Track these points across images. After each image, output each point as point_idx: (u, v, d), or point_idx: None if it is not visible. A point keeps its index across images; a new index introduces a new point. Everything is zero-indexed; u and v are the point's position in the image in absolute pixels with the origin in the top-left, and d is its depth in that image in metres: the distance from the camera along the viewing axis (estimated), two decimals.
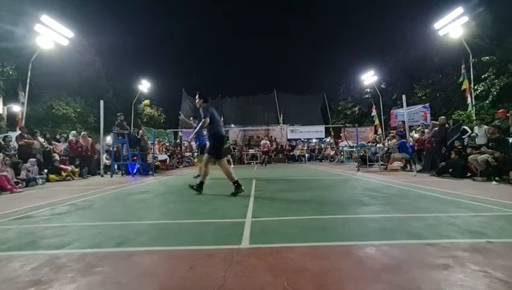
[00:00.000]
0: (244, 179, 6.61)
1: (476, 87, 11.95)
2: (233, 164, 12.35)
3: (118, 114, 9.19)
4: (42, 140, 7.93)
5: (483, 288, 1.16)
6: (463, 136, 6.71)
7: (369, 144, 11.68)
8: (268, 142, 14.65)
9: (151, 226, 2.33)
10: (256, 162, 12.50)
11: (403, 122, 9.79)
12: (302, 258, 1.54)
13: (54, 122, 16.12)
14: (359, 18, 48.16)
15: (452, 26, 10.60)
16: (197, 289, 1.24)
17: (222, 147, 4.25)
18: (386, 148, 9.41)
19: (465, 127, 7.13)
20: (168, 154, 13.53)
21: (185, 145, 17.71)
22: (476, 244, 1.69)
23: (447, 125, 7.30)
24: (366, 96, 22.05)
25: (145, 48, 47.31)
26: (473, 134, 6.97)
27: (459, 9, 10.22)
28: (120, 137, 8.62)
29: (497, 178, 4.86)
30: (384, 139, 11.06)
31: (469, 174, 5.73)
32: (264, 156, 14.09)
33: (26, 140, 7.14)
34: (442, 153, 6.74)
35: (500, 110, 7.59)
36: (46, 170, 7.03)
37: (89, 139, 9.44)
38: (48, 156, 7.52)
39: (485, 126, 6.92)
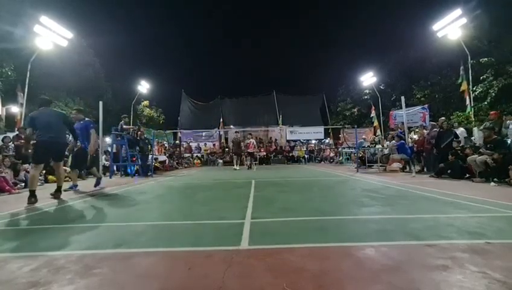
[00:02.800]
0: (243, 180, 6.62)
1: (474, 88, 12.01)
2: (239, 166, 11.85)
3: (123, 115, 9.24)
4: None
5: (482, 289, 1.16)
6: (455, 139, 6.71)
7: (370, 145, 11.67)
8: (253, 140, 12.11)
9: (149, 227, 2.32)
10: (255, 163, 12.20)
11: (402, 123, 9.81)
12: (302, 259, 1.54)
13: None
14: (359, 19, 48.40)
15: (451, 28, 10.67)
16: None
17: (40, 153, 4.03)
18: (385, 150, 9.43)
19: (456, 131, 7.17)
20: (167, 155, 13.53)
21: (184, 146, 17.71)
22: (474, 245, 1.69)
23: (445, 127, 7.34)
24: (365, 97, 22.13)
25: (144, 49, 47.37)
26: (475, 135, 7.01)
27: (458, 11, 10.28)
28: (119, 138, 8.62)
29: (495, 179, 4.88)
30: (383, 140, 11.08)
31: (468, 175, 5.75)
32: (249, 157, 11.94)
33: (23, 140, 7.12)
34: (437, 154, 6.77)
35: (492, 112, 7.68)
36: (44, 171, 7.00)
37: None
38: None
39: (481, 127, 6.99)
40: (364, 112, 21.99)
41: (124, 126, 8.78)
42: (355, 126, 14.04)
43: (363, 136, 14.78)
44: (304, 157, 16.63)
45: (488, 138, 5.67)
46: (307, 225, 2.31)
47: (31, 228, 2.39)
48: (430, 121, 11.06)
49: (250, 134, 13.18)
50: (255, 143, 12.13)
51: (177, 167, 13.23)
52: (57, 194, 4.08)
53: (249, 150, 11.73)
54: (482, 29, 13.03)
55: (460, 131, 7.33)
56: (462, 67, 11.49)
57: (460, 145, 6.62)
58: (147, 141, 9.73)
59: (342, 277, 1.32)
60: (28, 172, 6.30)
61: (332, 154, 16.20)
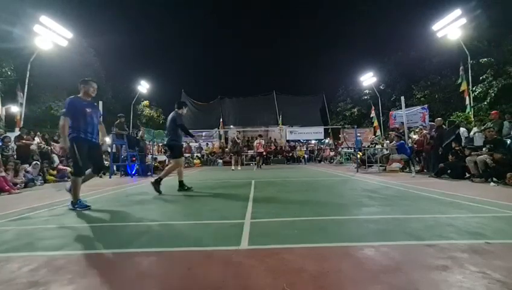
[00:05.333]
0: (243, 180, 6.61)
1: (474, 88, 12.03)
2: (238, 166, 11.85)
3: (119, 115, 9.18)
4: (38, 140, 7.91)
5: (482, 289, 1.16)
6: (457, 140, 6.68)
7: (370, 145, 11.67)
8: (262, 141, 13.01)
9: (149, 227, 2.32)
10: (254, 163, 12.31)
11: (402, 123, 9.82)
12: (301, 259, 1.54)
13: (53, 123, 16.10)
14: (359, 19, 48.40)
15: (450, 28, 10.66)
16: None
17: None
18: (384, 150, 9.43)
19: (460, 130, 7.14)
20: (167, 155, 13.51)
21: (184, 146, 17.68)
22: (474, 245, 1.69)
23: (444, 126, 7.33)
24: (365, 97, 22.15)
25: (144, 49, 47.35)
26: (473, 135, 6.99)
27: (457, 11, 10.28)
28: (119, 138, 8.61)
29: (495, 179, 4.88)
30: (383, 140, 11.09)
31: (468, 175, 5.75)
32: (258, 157, 12.71)
33: (24, 141, 7.13)
34: (440, 154, 6.76)
35: (493, 112, 7.69)
36: (43, 170, 7.00)
37: None
38: (46, 157, 7.49)
39: (482, 127, 6.98)
40: (364, 112, 22.00)
41: (115, 130, 8.44)
42: (355, 126, 14.05)
43: (358, 134, 14.82)
44: (303, 157, 16.63)
45: (491, 137, 5.68)
46: (306, 225, 2.31)
47: (31, 228, 2.39)
48: (429, 121, 11.06)
49: (260, 135, 13.67)
50: (263, 143, 12.92)
51: None
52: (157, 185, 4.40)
53: (258, 151, 12.47)
54: (482, 29, 13.04)
55: (462, 131, 7.31)
56: (461, 68, 11.49)
57: (462, 145, 6.60)
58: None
59: (342, 277, 1.32)
60: (27, 172, 6.30)
61: (332, 154, 16.21)
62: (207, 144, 18.42)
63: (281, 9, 57.07)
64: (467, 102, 11.11)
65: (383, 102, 17.93)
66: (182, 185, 4.65)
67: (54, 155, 7.78)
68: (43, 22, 9.27)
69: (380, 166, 8.89)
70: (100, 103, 9.29)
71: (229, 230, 2.17)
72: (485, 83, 12.46)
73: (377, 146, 10.69)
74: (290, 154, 17.14)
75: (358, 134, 14.42)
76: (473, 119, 10.48)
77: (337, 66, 44.02)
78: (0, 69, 12.91)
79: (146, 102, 24.36)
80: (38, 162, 6.75)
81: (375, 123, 17.11)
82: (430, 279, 1.27)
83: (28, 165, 6.49)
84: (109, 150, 9.29)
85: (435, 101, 16.41)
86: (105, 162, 9.04)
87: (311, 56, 51.97)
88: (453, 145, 6.39)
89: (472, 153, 5.72)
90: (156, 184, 4.36)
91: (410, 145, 8.62)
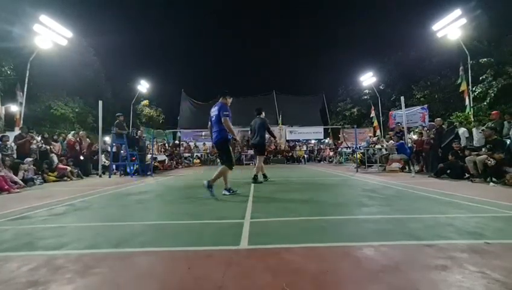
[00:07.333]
0: (243, 179, 6.60)
1: (474, 88, 12.03)
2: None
3: (117, 114, 9.11)
4: (39, 139, 7.89)
5: (481, 289, 1.17)
6: (456, 140, 6.69)
7: (371, 145, 11.66)
8: None
9: (149, 227, 2.32)
10: (254, 163, 12.50)
11: (400, 123, 9.82)
12: (301, 259, 1.54)
13: (52, 122, 16.11)
14: (358, 19, 48.35)
15: (450, 28, 10.66)
16: None
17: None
18: (383, 150, 9.43)
19: (460, 131, 7.13)
20: (166, 154, 13.53)
21: (184, 145, 17.70)
22: (474, 245, 1.69)
23: (443, 127, 7.33)
24: (365, 97, 22.16)
25: (144, 48, 47.22)
26: (472, 137, 6.99)
27: (457, 11, 10.28)
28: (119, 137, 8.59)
29: (494, 179, 4.88)
30: (383, 140, 11.10)
31: (467, 175, 5.75)
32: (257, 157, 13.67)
33: (28, 138, 7.12)
34: (439, 154, 6.76)
35: (494, 112, 7.68)
36: (43, 170, 6.98)
37: (87, 139, 9.44)
38: (45, 156, 7.48)
39: (482, 128, 6.98)
40: (364, 112, 22.02)
41: (117, 129, 8.31)
42: (355, 126, 14.08)
43: (369, 134, 14.91)
44: (303, 157, 16.63)
45: (489, 137, 5.67)
46: (306, 224, 2.31)
47: (30, 228, 2.39)
48: (429, 121, 11.07)
49: None
50: None
51: (177, 167, 13.23)
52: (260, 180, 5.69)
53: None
54: (482, 29, 13.05)
55: (462, 131, 7.30)
56: (461, 68, 11.49)
57: (462, 145, 6.59)
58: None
59: (341, 277, 1.33)
60: (26, 171, 6.29)
61: (332, 154, 16.23)
62: (204, 143, 18.37)
63: (281, 9, 56.99)
64: (467, 102, 11.11)
65: (382, 102, 17.95)
66: (265, 176, 6.00)
67: (52, 155, 7.77)
68: (43, 21, 9.24)
69: (380, 166, 8.90)
70: (100, 102, 9.28)
71: (229, 230, 2.17)
72: (485, 83, 12.48)
73: (376, 146, 10.70)
74: (290, 154, 17.13)
75: (370, 134, 14.68)
76: (472, 119, 10.49)
77: (337, 66, 43.92)
78: (0, 69, 12.89)
79: (146, 101, 24.34)
80: (32, 159, 6.70)
81: (375, 123, 17.12)
82: (430, 279, 1.27)
83: (27, 164, 6.47)
84: (109, 149, 9.28)
85: (434, 101, 16.43)
86: (105, 162, 9.09)
87: (311, 56, 51.83)
88: (454, 145, 6.39)
89: (472, 153, 5.73)
90: (254, 179, 5.58)
91: (409, 145, 8.62)
